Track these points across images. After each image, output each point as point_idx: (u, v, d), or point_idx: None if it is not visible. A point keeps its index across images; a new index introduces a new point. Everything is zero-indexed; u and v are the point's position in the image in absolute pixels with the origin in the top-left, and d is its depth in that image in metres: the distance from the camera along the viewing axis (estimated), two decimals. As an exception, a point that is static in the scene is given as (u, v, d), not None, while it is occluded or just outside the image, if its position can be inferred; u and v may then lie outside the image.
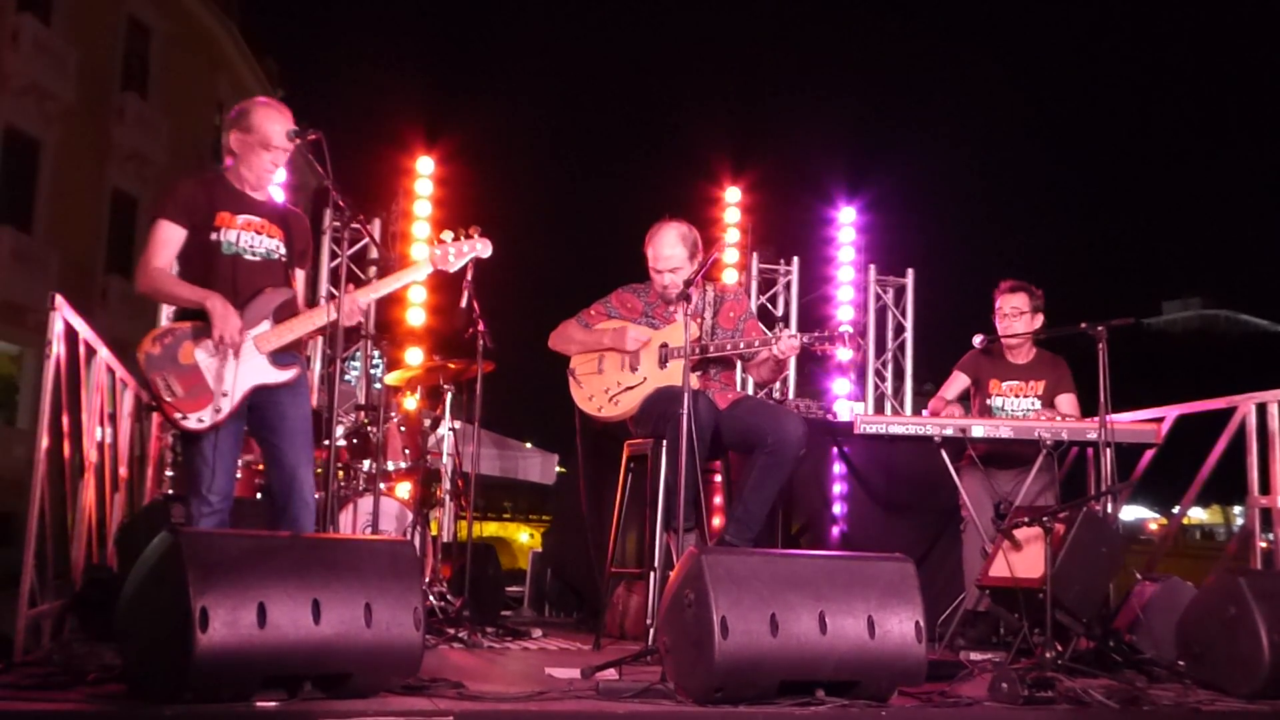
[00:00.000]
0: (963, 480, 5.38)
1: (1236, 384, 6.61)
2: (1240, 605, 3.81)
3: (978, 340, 5.62)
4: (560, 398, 5.06)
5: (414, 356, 7.59)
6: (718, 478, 5.15)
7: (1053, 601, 4.14)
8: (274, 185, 4.24)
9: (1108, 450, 4.85)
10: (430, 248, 4.27)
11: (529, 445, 13.84)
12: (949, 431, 5.19)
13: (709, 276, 5.09)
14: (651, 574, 4.57)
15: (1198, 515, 45.62)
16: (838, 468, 6.70)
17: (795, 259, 8.98)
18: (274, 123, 3.99)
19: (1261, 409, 5.55)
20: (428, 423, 6.11)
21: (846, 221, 8.98)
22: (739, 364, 5.20)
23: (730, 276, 8.63)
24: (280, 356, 3.96)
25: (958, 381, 5.81)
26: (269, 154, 4.00)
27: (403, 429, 5.92)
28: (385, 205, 8.24)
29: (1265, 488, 5.48)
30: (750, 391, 6.21)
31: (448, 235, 4.25)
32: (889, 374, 8.99)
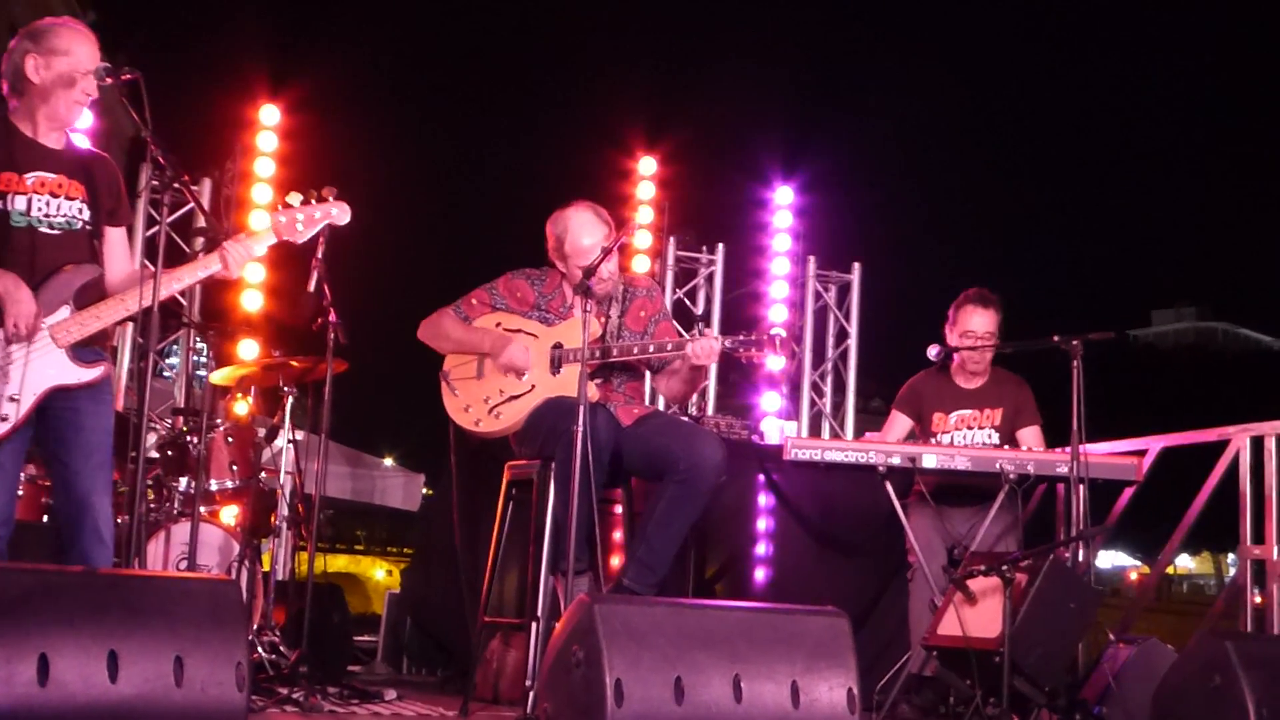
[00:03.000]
0: (911, 520, 5.45)
1: (1235, 411, 6.83)
2: (1225, 674, 3.92)
3: (933, 352, 5.64)
4: (430, 406, 5.04)
5: (248, 350, 7.51)
6: (617, 509, 5.17)
7: (1011, 666, 4.23)
8: (75, 132, 4.16)
9: (1081, 487, 4.98)
10: (273, 214, 4.23)
11: (389, 463, 13.73)
12: (896, 460, 5.27)
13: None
14: (533, 625, 4.56)
15: (1185, 565, 47.07)
16: (764, 500, 6.75)
17: (720, 246, 9.07)
18: (83, 45, 3.92)
19: (1257, 443, 5.69)
20: (262, 433, 6.03)
21: (783, 204, 9.08)
22: (648, 374, 5.22)
23: (641, 264, 8.65)
24: (82, 351, 3.89)
25: (898, 424, 5.82)
26: (80, 85, 3.92)
27: (231, 440, 5.85)
28: (218, 163, 8.12)
29: (1259, 535, 5.62)
30: (661, 407, 6.24)
31: (295, 198, 4.22)
32: (828, 388, 9.10)
